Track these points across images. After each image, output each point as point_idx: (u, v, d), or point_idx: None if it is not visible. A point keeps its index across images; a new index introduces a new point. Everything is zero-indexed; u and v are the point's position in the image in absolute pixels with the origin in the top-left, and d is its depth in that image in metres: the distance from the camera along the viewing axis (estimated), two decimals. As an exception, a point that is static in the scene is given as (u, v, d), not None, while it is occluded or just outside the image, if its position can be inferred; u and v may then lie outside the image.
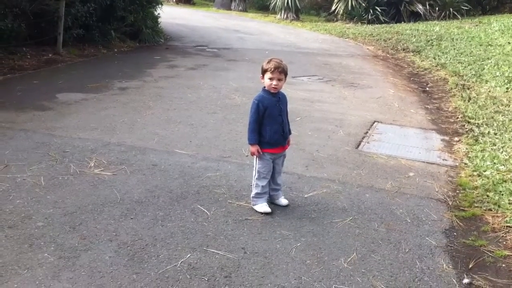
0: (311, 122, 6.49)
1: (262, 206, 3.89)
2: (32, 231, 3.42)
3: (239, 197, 4.15)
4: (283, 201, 4.06)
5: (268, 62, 3.80)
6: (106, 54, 11.25)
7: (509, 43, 11.80)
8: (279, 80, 3.80)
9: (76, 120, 5.98)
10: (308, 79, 9.46)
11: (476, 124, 6.42)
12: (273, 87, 3.81)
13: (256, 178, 3.92)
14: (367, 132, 6.19)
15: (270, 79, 3.79)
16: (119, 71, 9.23)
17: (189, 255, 3.24)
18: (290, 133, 4.08)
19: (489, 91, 8.03)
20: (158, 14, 14.11)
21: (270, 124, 3.84)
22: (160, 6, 14.05)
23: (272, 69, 3.76)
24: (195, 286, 2.93)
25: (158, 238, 3.43)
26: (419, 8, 18.63)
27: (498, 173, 4.79)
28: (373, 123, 6.60)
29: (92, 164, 4.63)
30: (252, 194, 3.97)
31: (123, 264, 3.10)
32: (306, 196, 4.26)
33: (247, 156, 5.06)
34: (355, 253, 3.41)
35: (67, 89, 7.55)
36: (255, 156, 3.90)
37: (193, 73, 9.49)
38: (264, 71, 3.83)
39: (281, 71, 3.78)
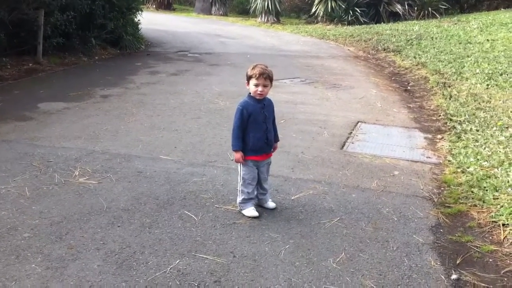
0: (295, 124, 6.51)
1: (250, 211, 3.89)
2: (19, 242, 3.38)
3: (226, 201, 4.14)
4: (270, 204, 4.05)
5: (253, 68, 3.75)
6: (87, 62, 11.16)
7: (487, 40, 11.97)
8: (264, 86, 3.76)
9: (59, 129, 5.93)
10: (290, 82, 9.49)
11: (458, 122, 6.49)
12: (258, 94, 3.77)
13: (241, 185, 3.92)
14: (351, 132, 6.23)
15: (256, 85, 3.75)
16: (101, 79, 9.17)
17: (178, 261, 3.23)
18: (277, 139, 4.09)
19: (470, 89, 8.13)
20: (138, 20, 14.05)
21: (253, 131, 3.82)
22: (140, 12, 13.99)
23: (257, 75, 3.71)
24: (185, 292, 2.93)
25: (146, 245, 3.41)
26: (398, 8, 18.84)
27: (481, 169, 4.85)
28: (357, 123, 6.64)
29: (77, 173, 4.59)
30: (239, 199, 3.96)
31: (112, 273, 3.07)
32: (293, 198, 4.27)
33: (232, 160, 5.04)
34: (343, 253, 3.42)
35: (49, 99, 7.48)
36: (240, 163, 3.90)
37: (176, 79, 9.47)
38: (249, 78, 3.78)
39: (266, 77, 3.73)
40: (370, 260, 3.36)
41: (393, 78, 10.26)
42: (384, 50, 13.47)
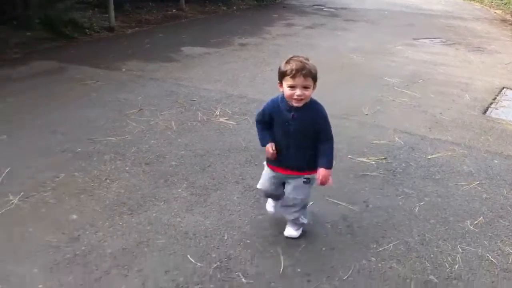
0: (434, 85, 6.24)
1: (267, 204, 3.17)
2: (166, 169, 3.67)
3: (360, 153, 4.13)
4: (287, 230, 2.96)
5: (287, 62, 2.58)
6: (226, 12, 11.49)
7: None
8: (304, 88, 2.56)
9: (201, 72, 6.23)
10: (430, 42, 9.05)
11: None
12: (295, 99, 2.60)
13: None
14: (495, 98, 5.85)
15: (291, 87, 2.56)
16: (239, 28, 9.41)
17: (311, 203, 3.31)
18: (326, 166, 2.73)
19: None
20: (276, -28, 14.12)
21: (275, 135, 2.77)
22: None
23: (294, 72, 2.52)
24: (318, 231, 3.01)
25: (281, 185, 3.53)
26: (558, -31, 16.99)
27: None
28: (502, 89, 6.21)
29: (218, 113, 4.83)
30: None
31: (250, 205, 3.24)
32: (429, 157, 4.15)
33: (366, 114, 5.02)
34: (481, 217, 3.29)
35: (191, 43, 7.85)
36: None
37: (311, 32, 9.45)
38: (281, 75, 2.61)
39: (306, 75, 2.53)
40: (511, 227, 3.21)
41: (545, 45, 9.39)
42: (537, 15, 12.33)
